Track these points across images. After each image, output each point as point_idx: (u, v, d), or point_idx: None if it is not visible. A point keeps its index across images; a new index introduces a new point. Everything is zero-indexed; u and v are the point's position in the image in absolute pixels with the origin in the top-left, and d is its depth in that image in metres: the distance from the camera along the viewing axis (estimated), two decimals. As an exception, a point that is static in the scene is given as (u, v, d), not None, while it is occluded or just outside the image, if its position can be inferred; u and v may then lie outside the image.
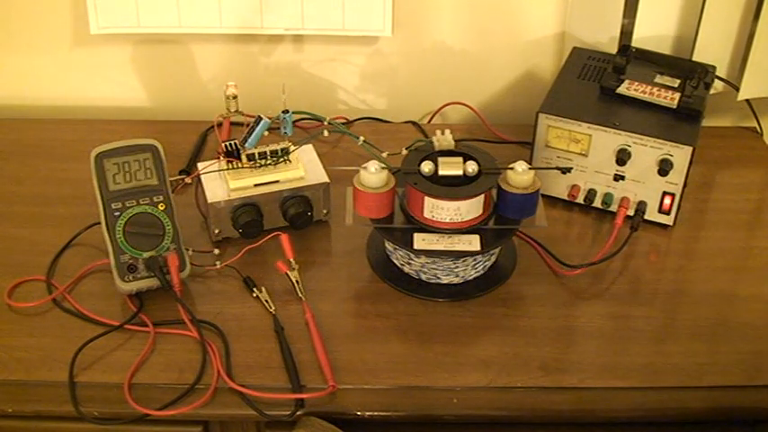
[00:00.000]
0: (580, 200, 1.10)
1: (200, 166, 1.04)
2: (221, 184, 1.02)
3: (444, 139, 0.97)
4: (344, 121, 1.29)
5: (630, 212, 1.07)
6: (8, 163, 1.18)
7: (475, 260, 0.96)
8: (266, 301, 0.95)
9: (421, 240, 0.93)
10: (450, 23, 1.28)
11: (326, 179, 1.04)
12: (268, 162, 1.03)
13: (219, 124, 1.21)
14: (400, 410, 0.85)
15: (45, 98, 1.33)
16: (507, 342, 0.91)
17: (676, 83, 1.11)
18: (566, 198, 1.11)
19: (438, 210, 0.91)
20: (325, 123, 1.07)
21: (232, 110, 1.01)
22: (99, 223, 0.93)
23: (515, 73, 1.32)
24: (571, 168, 0.97)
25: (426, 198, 0.91)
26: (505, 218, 0.95)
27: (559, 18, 1.27)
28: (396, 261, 0.99)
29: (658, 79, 1.12)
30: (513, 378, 0.87)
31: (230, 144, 1.03)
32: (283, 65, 1.30)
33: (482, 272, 0.98)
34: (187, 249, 0.96)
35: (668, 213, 1.06)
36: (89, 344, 0.89)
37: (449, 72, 1.32)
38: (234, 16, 1.24)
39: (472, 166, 0.92)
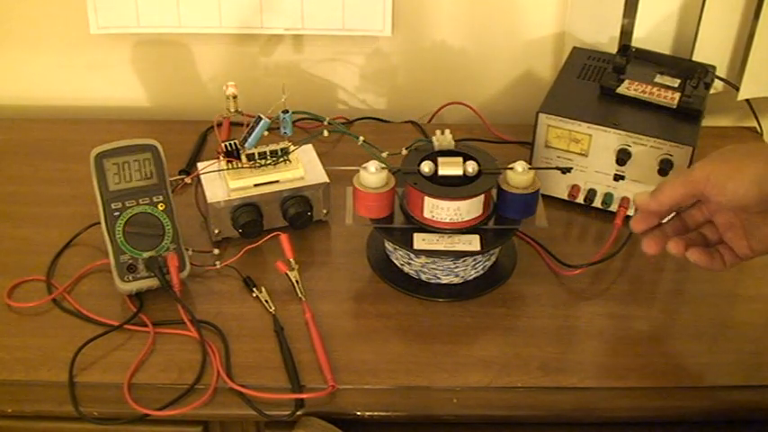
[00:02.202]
0: (580, 200, 1.10)
1: (199, 166, 1.04)
2: (221, 184, 1.02)
3: (444, 139, 0.97)
4: (344, 121, 1.29)
5: (630, 212, 1.06)
6: (8, 163, 1.18)
7: (475, 260, 0.96)
8: (266, 301, 0.95)
9: (421, 240, 0.93)
10: (450, 23, 1.28)
11: (326, 179, 1.04)
12: (268, 162, 1.03)
13: (219, 124, 1.21)
14: (400, 410, 0.85)
15: (45, 98, 1.33)
16: (507, 342, 0.91)
17: (676, 83, 1.11)
18: (566, 198, 1.11)
19: (438, 210, 0.91)
20: (325, 123, 1.07)
21: (232, 110, 1.01)
22: (99, 223, 0.93)
23: (515, 73, 1.32)
24: (571, 168, 0.97)
25: (426, 198, 0.91)
26: (505, 218, 0.95)
27: (559, 18, 1.27)
28: (396, 261, 0.99)
29: (658, 79, 1.12)
30: (513, 378, 0.87)
31: (230, 144, 1.03)
32: (283, 65, 1.30)
33: (482, 272, 0.98)
34: (187, 249, 0.96)
35: (668, 213, 1.06)
36: (89, 344, 0.89)
37: (449, 72, 1.32)
38: (234, 16, 1.24)
39: (472, 166, 0.92)
